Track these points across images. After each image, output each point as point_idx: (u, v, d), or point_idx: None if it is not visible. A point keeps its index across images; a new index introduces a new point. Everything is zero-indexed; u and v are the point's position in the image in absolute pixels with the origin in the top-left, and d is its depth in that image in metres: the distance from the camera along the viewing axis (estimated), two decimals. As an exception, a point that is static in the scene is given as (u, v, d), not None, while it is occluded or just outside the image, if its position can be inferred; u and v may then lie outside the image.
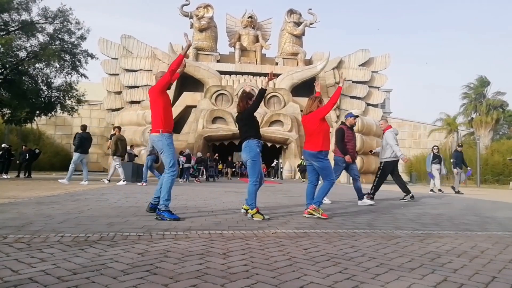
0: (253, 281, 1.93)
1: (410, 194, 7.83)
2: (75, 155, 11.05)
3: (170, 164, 4.19)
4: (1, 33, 16.22)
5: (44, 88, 17.87)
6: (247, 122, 4.55)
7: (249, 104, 4.55)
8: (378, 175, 7.52)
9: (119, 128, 12.58)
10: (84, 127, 11.54)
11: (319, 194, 4.65)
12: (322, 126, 4.66)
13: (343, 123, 7.07)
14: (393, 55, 41.34)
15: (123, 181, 11.42)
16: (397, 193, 10.54)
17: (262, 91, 4.43)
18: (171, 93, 30.93)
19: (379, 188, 7.45)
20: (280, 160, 26.74)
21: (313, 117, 4.69)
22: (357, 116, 7.03)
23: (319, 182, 4.87)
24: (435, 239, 3.35)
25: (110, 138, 12.39)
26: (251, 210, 4.29)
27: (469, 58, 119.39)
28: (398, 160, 7.49)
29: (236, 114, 4.77)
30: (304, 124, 4.88)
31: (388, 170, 7.55)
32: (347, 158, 6.48)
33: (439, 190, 11.76)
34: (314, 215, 4.43)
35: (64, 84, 18.15)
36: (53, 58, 16.49)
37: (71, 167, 11.17)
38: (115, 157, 11.83)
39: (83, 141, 11.13)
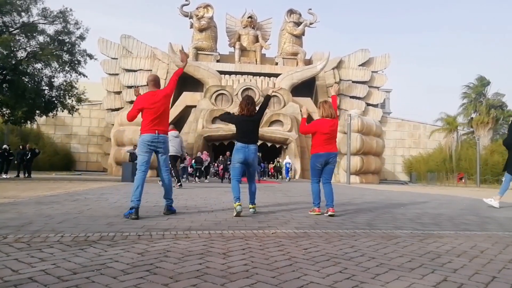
0: (253, 281, 1.93)
1: (180, 183, 10.26)
2: None
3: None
4: (1, 34, 16.21)
5: (44, 87, 17.88)
6: (258, 126, 4.86)
7: (256, 109, 4.80)
8: (173, 166, 10.15)
9: None
10: None
11: (332, 197, 4.82)
12: None
13: None
14: (393, 55, 41.38)
15: None
16: (396, 194, 10.55)
17: (268, 98, 4.93)
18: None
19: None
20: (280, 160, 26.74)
21: (336, 123, 4.98)
22: None
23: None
24: (435, 239, 3.35)
25: None
26: (254, 204, 4.77)
27: (469, 58, 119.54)
28: (178, 156, 10.79)
29: (245, 115, 4.73)
30: (330, 127, 4.90)
31: (172, 161, 10.02)
32: None
33: None
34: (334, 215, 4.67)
35: (65, 84, 18.15)
36: (52, 58, 16.48)
37: None
38: None
39: None
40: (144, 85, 28.91)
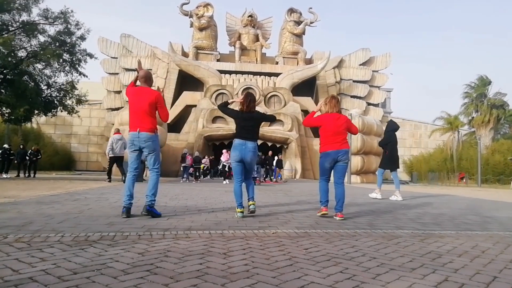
0: (253, 281, 1.93)
1: (109, 179, 12.27)
2: None
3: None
4: (2, 33, 16.22)
5: (44, 88, 17.87)
6: (259, 125, 4.76)
7: (255, 106, 4.79)
8: (119, 166, 11.93)
9: None
10: None
11: (343, 201, 4.65)
12: None
13: None
14: (394, 55, 41.26)
15: None
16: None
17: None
18: (171, 92, 30.67)
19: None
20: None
21: (345, 123, 4.70)
22: None
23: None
24: (436, 239, 3.35)
25: None
26: (254, 201, 4.55)
27: (470, 58, 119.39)
28: (122, 156, 11.75)
29: (245, 111, 4.63)
30: (336, 121, 4.65)
31: (118, 161, 11.91)
32: None
33: None
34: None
35: (65, 84, 18.14)
36: (53, 58, 16.48)
37: None
38: None
39: None
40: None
